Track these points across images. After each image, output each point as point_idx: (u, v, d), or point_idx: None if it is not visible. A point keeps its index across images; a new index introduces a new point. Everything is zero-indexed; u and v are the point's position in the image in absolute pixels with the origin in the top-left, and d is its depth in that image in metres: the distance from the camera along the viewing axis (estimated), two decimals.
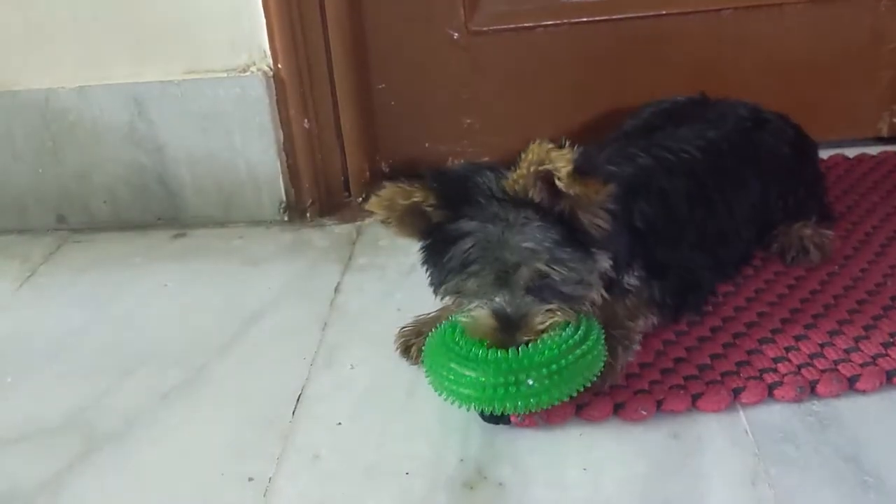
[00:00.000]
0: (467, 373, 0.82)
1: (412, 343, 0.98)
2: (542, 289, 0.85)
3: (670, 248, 0.98)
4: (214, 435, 0.91)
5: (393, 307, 1.10)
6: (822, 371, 0.87)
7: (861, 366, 0.87)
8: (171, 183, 1.36)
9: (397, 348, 0.99)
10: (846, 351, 0.90)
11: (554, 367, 0.81)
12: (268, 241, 1.32)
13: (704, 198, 1.02)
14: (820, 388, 0.85)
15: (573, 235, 0.84)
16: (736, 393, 0.86)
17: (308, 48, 1.28)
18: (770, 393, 0.86)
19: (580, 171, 0.80)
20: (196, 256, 1.30)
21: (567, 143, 0.81)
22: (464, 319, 0.87)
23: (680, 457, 0.81)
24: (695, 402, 0.86)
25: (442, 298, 0.92)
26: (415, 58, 1.40)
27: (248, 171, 1.33)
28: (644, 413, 0.85)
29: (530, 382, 0.81)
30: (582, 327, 0.86)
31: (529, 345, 0.83)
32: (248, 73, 1.28)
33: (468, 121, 1.44)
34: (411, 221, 0.89)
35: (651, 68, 1.39)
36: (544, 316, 0.85)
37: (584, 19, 1.37)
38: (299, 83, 1.28)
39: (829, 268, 1.06)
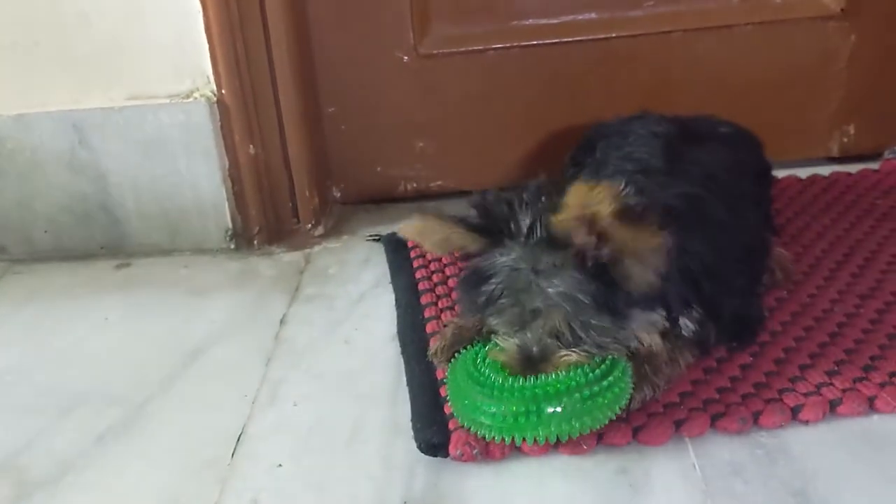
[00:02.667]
0: (487, 401, 0.81)
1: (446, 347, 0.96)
2: (564, 336, 0.83)
3: (725, 284, 0.92)
4: (149, 479, 0.87)
5: (340, 339, 1.08)
6: (767, 401, 0.86)
7: (805, 395, 0.86)
8: (114, 211, 1.33)
9: (433, 351, 0.96)
10: (791, 380, 0.89)
11: (577, 395, 0.80)
12: (214, 271, 1.29)
13: (741, 222, 0.99)
14: (763, 420, 0.84)
15: (610, 293, 0.81)
16: (678, 425, 0.85)
17: (252, 73, 1.25)
18: (713, 424, 0.84)
19: (628, 215, 0.77)
20: (140, 287, 1.27)
21: (616, 182, 0.81)
22: (488, 347, 0.88)
23: (628, 493, 0.79)
24: (636, 435, 0.84)
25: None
26: (365, 81, 1.38)
27: (193, 198, 1.30)
28: (585, 447, 0.84)
29: (551, 410, 0.79)
30: (608, 360, 0.84)
31: (552, 374, 0.82)
32: (191, 99, 1.26)
33: (420, 144, 1.42)
34: (447, 246, 0.89)
35: (603, 90, 1.39)
36: (566, 357, 0.83)
37: (535, 42, 1.36)
38: (244, 108, 1.26)
39: (778, 293, 1.05)
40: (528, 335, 0.84)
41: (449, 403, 0.88)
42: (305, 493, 0.83)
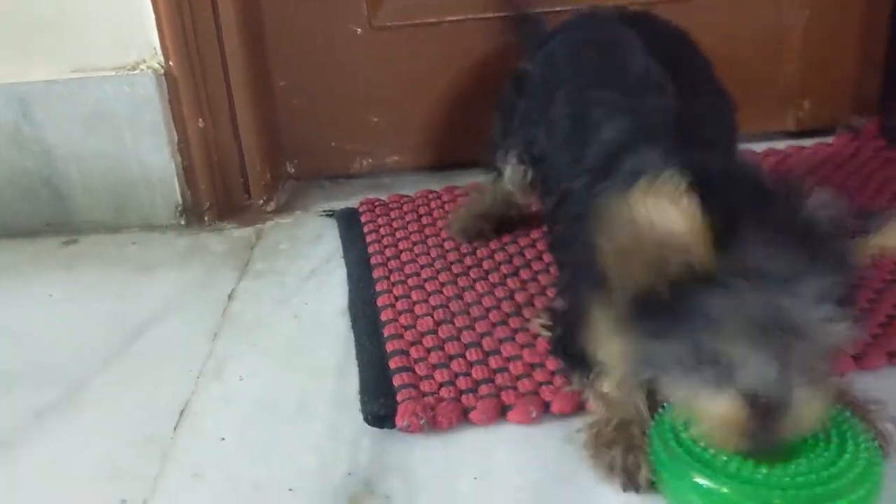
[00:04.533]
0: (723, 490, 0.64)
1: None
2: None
3: None
4: (89, 455, 0.85)
5: (289, 315, 1.06)
6: None
7: None
8: (60, 186, 1.29)
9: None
10: None
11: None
12: (162, 247, 1.26)
13: None
14: None
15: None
16: None
17: (200, 44, 1.22)
18: None
19: None
20: (86, 264, 1.24)
21: None
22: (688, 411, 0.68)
23: (574, 462, 0.78)
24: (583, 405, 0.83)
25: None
26: (317, 54, 1.35)
27: (141, 172, 1.27)
28: (534, 415, 0.83)
29: None
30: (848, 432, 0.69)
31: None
32: (137, 72, 1.22)
33: (375, 119, 1.40)
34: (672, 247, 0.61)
35: None
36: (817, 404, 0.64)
37: (490, 14, 1.34)
38: (192, 81, 1.23)
39: None
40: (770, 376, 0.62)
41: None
42: (249, 466, 0.81)
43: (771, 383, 0.62)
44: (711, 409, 0.65)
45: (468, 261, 1.11)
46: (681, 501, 0.68)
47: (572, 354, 0.81)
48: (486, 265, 1.10)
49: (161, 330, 1.05)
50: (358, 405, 0.87)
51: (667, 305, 0.64)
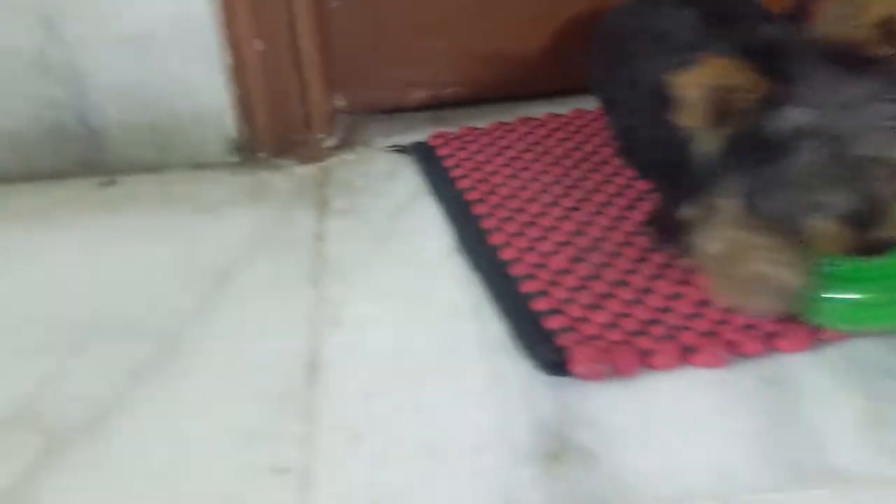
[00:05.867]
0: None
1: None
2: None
3: None
4: (216, 418, 0.74)
5: (392, 256, 0.95)
6: None
7: None
8: (93, 120, 1.13)
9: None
10: None
11: None
12: (218, 187, 1.12)
13: None
14: None
15: None
16: (815, 330, 0.77)
17: None
18: None
19: None
20: (133, 207, 1.09)
21: None
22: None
23: (784, 404, 0.71)
24: (771, 342, 0.76)
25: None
26: None
27: (189, 104, 1.13)
28: (724, 358, 0.75)
29: None
30: None
31: None
32: None
33: (433, 44, 1.28)
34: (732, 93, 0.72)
35: None
36: None
37: None
38: None
39: None
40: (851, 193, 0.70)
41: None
42: (412, 424, 0.72)
43: (853, 201, 0.70)
44: (818, 232, 0.73)
45: (576, 194, 1.02)
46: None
47: (671, 225, 0.85)
48: (597, 198, 1.01)
49: (249, 274, 0.93)
50: (512, 350, 0.78)
51: (752, 142, 0.72)
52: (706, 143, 0.77)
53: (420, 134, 1.22)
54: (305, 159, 1.18)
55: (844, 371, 0.74)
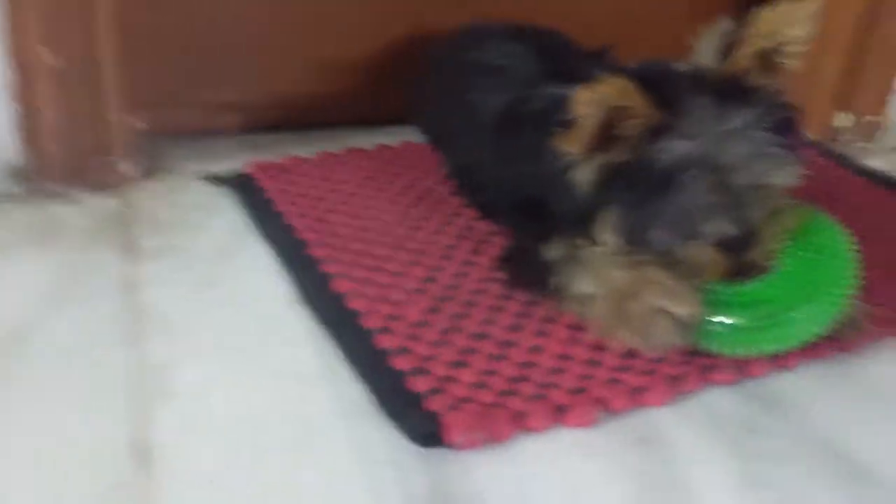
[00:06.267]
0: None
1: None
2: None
3: None
4: None
5: (223, 303, 0.85)
6: None
7: None
8: None
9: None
10: None
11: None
12: (0, 224, 0.95)
13: None
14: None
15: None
16: (676, 382, 0.76)
17: None
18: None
19: None
20: None
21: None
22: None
23: (657, 465, 0.69)
24: (638, 398, 0.75)
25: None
26: None
27: None
28: (597, 416, 0.72)
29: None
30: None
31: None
32: None
33: (249, 64, 1.17)
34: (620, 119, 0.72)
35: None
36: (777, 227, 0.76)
37: None
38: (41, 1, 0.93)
39: None
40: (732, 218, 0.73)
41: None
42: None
43: (732, 228, 0.73)
44: (695, 259, 0.76)
45: (420, 235, 0.96)
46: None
47: (528, 266, 0.84)
48: (443, 240, 0.96)
49: (47, 336, 0.78)
50: (375, 417, 0.71)
51: (634, 173, 0.73)
52: (584, 172, 0.76)
53: (235, 161, 1.11)
54: (103, 189, 1.02)
55: (707, 426, 0.73)
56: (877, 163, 1.26)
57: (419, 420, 0.69)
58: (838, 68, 1.26)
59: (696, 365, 0.78)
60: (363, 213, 1.00)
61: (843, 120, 1.30)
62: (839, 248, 0.78)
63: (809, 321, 0.76)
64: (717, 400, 0.76)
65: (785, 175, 0.75)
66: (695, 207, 0.73)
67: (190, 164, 1.11)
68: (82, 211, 0.99)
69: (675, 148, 0.72)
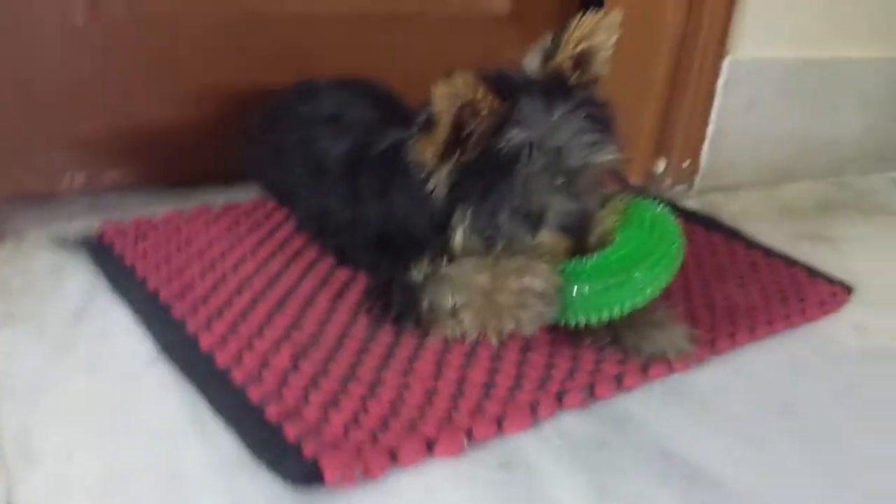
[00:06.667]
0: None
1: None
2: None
3: None
4: None
5: (80, 367, 0.83)
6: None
7: None
8: None
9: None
10: None
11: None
12: None
13: None
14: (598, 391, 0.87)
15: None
16: (532, 408, 0.82)
17: None
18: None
19: None
20: None
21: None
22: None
23: (524, 491, 0.74)
24: (500, 426, 0.80)
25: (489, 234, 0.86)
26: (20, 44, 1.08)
27: None
28: (465, 445, 0.77)
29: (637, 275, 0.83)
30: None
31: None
32: None
33: (93, 125, 1.17)
34: (468, 108, 0.80)
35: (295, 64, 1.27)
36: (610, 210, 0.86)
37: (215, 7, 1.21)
38: None
39: None
40: (567, 203, 0.84)
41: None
42: None
43: (573, 215, 0.85)
44: (542, 245, 0.86)
45: (280, 286, 0.98)
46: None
47: (399, 290, 0.90)
48: (303, 289, 0.98)
49: None
50: (250, 467, 0.72)
51: (480, 167, 0.83)
52: (440, 178, 0.85)
53: (81, 222, 1.10)
54: None
55: (562, 446, 0.79)
56: (693, 203, 1.40)
57: (296, 464, 0.71)
58: (655, 120, 1.40)
59: (548, 392, 0.84)
60: (219, 267, 1.01)
61: (661, 166, 1.44)
62: (665, 223, 0.88)
63: (647, 281, 0.84)
64: (570, 422, 0.83)
65: (606, 154, 0.85)
66: (533, 183, 0.82)
67: (35, 228, 1.09)
68: None
69: (514, 137, 0.82)
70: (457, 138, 0.83)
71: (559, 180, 0.83)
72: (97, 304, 0.94)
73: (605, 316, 0.85)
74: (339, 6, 1.31)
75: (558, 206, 0.85)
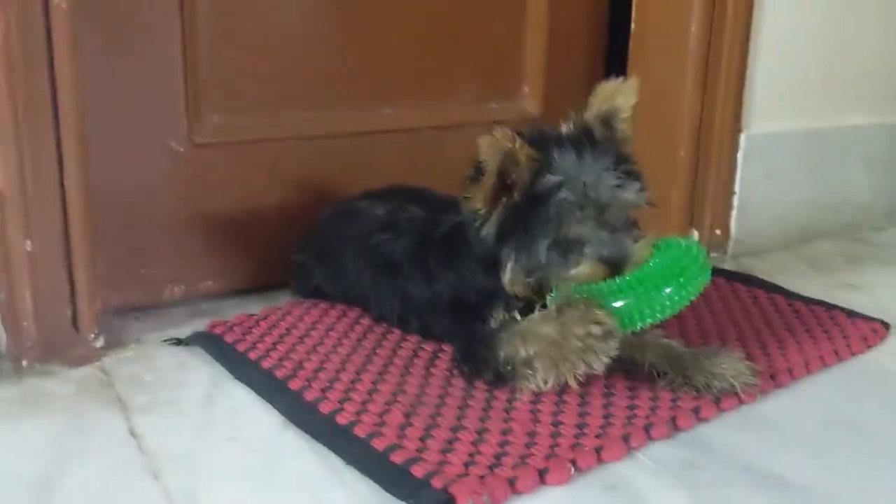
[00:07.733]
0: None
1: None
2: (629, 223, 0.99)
3: None
4: None
5: (223, 439, 0.94)
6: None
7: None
8: None
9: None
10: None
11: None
12: None
13: None
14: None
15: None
16: (625, 439, 0.93)
17: (35, 159, 1.05)
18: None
19: None
20: None
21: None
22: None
23: (626, 502, 0.84)
24: (600, 455, 0.90)
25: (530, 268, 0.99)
26: (129, 172, 1.24)
27: None
28: (572, 472, 0.87)
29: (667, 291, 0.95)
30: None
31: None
32: None
33: (188, 241, 1.31)
34: (509, 161, 0.95)
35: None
36: (644, 244, 0.98)
37: (310, 134, 1.38)
38: (22, 197, 1.04)
39: None
40: (605, 238, 0.97)
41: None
42: None
43: (610, 248, 0.97)
44: (582, 275, 0.98)
45: (378, 360, 1.10)
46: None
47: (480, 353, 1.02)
48: (398, 361, 1.10)
49: (75, 481, 0.85)
50: (389, 501, 0.82)
51: (522, 208, 0.98)
52: (490, 225, 1.00)
53: (186, 326, 1.22)
54: (75, 362, 1.10)
55: (655, 468, 0.90)
56: (729, 266, 1.53)
57: (430, 494, 0.81)
58: (684, 195, 1.55)
59: (636, 426, 0.95)
60: (320, 349, 1.13)
61: (695, 236, 1.57)
62: (692, 251, 0.99)
63: (679, 296, 0.96)
64: (659, 450, 0.93)
65: (632, 191, 0.98)
66: (565, 215, 0.96)
67: (150, 334, 1.21)
68: (63, 382, 1.06)
69: (550, 180, 0.96)
70: (503, 185, 0.97)
71: (589, 212, 0.96)
72: (222, 388, 1.06)
73: (637, 327, 0.97)
74: (392, 123, 1.48)
75: (591, 237, 0.97)
